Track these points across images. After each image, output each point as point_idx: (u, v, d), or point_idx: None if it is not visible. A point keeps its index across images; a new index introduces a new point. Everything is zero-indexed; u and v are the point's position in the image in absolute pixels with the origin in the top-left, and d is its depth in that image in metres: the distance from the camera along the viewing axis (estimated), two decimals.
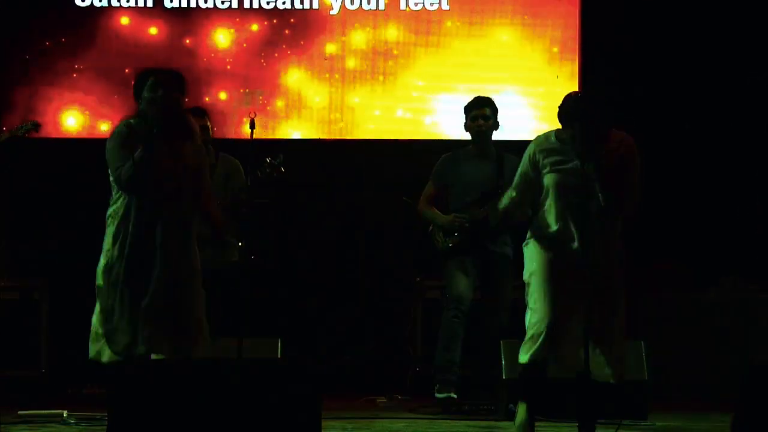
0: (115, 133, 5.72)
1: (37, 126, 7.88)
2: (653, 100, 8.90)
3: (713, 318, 8.09)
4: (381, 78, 8.94)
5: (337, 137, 8.94)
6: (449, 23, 8.95)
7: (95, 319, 5.73)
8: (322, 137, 8.94)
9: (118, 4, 8.84)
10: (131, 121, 5.71)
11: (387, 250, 8.89)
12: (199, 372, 4.97)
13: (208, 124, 7.26)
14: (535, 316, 5.65)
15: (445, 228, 7.28)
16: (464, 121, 7.38)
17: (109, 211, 5.75)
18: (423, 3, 8.92)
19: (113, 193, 5.74)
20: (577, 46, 8.89)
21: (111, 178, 5.70)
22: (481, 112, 7.28)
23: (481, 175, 7.23)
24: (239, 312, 6.26)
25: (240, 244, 6.94)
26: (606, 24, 8.83)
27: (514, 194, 5.86)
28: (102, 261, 5.73)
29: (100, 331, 5.69)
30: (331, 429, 6.28)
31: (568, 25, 8.91)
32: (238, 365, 5.31)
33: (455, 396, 7.09)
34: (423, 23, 8.93)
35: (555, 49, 8.92)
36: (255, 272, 6.92)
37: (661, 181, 8.89)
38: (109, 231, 5.73)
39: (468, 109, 7.37)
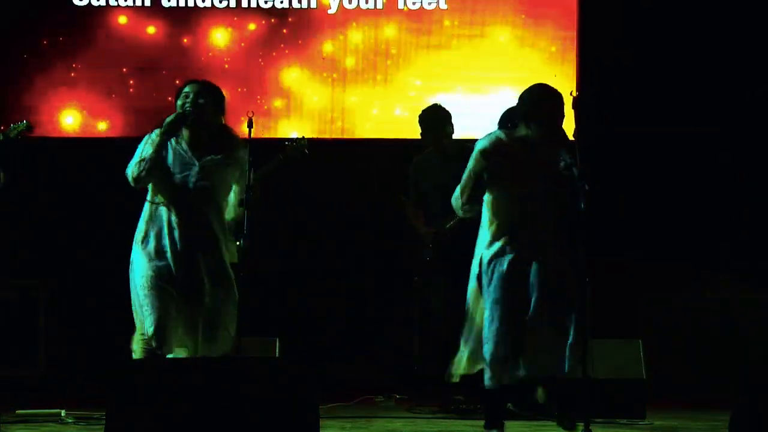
0: (145, 137, 5.92)
1: (29, 127, 7.82)
2: (652, 99, 8.89)
3: (710, 317, 8.09)
4: (379, 77, 8.94)
5: (335, 136, 8.93)
6: (447, 22, 8.95)
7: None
8: (320, 136, 8.93)
9: (116, 4, 8.83)
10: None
11: (385, 248, 8.88)
12: (198, 371, 4.98)
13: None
14: (493, 337, 5.62)
15: (422, 240, 7.41)
16: (423, 132, 7.39)
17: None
18: (421, 2, 8.91)
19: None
20: (575, 45, 8.89)
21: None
22: (444, 132, 7.32)
23: (449, 176, 7.19)
24: (238, 311, 6.25)
25: (238, 243, 6.92)
26: (604, 22, 8.82)
27: (467, 201, 5.77)
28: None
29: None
30: (330, 428, 6.28)
31: (566, 24, 8.90)
32: (236, 364, 5.31)
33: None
34: (421, 22, 8.93)
35: (553, 48, 8.91)
36: (253, 271, 6.90)
37: (659, 183, 8.90)
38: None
39: (431, 128, 7.35)
